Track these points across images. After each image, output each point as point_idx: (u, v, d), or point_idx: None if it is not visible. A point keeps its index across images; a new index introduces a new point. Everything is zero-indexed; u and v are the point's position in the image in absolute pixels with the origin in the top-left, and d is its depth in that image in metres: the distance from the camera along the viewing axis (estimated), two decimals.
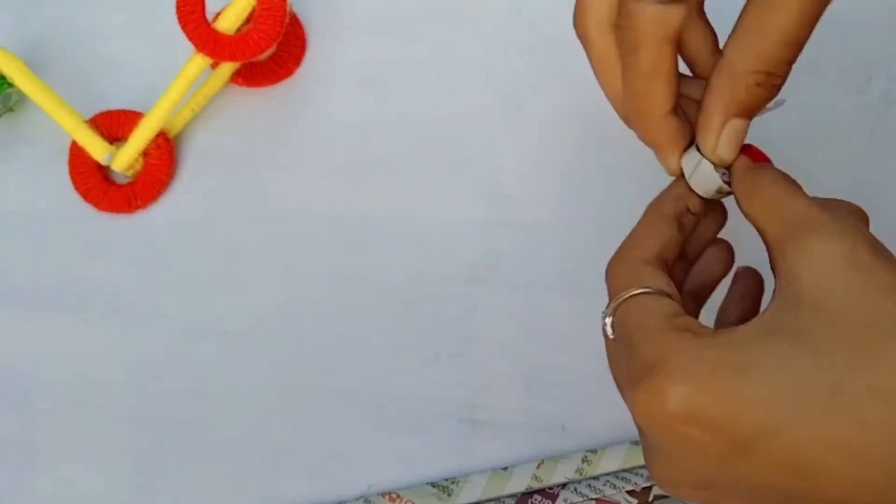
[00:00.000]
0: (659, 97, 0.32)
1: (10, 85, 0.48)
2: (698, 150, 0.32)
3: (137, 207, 0.48)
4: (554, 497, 0.43)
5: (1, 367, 0.47)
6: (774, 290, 0.28)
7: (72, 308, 0.47)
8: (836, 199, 0.30)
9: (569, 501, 0.43)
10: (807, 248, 0.27)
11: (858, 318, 0.25)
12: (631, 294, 0.29)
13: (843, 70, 0.48)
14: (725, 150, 0.31)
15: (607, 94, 0.34)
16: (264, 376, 0.46)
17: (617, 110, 0.34)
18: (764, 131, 0.35)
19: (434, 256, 0.47)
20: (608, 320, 0.30)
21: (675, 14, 0.31)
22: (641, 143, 0.34)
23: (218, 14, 0.47)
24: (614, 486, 0.43)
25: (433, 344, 0.46)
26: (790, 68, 0.30)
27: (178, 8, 0.46)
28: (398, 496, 0.43)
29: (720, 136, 0.31)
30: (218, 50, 0.46)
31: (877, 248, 0.27)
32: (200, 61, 0.47)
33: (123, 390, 0.46)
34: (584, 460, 0.43)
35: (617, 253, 0.32)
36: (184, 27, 0.46)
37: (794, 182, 0.30)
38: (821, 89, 0.48)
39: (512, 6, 0.51)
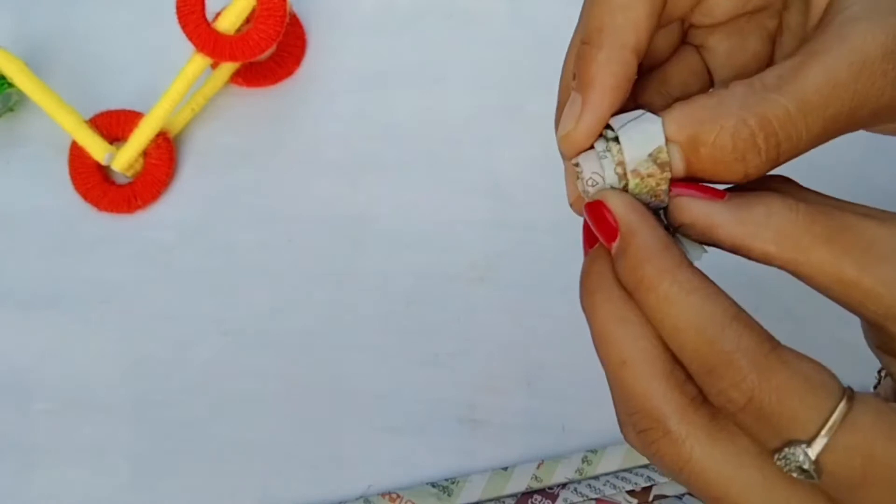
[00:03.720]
0: (629, 23, 0.25)
1: (10, 85, 0.48)
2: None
3: (137, 207, 0.48)
4: (554, 497, 0.43)
5: (1, 367, 0.47)
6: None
7: (72, 308, 0.47)
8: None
9: (569, 501, 0.43)
10: None
11: None
12: (845, 414, 0.22)
13: None
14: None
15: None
16: (264, 376, 0.46)
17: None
18: None
19: (434, 256, 0.47)
20: (808, 455, 0.22)
21: None
22: None
23: (218, 14, 0.47)
24: (614, 486, 0.43)
25: (433, 344, 0.46)
26: (785, 144, 0.23)
27: (178, 8, 0.46)
28: (398, 496, 0.43)
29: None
30: (218, 50, 0.46)
31: None
32: (200, 61, 0.47)
33: (123, 390, 0.46)
34: (584, 460, 0.43)
35: None
36: (184, 27, 0.46)
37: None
38: None
39: (512, 6, 0.51)
